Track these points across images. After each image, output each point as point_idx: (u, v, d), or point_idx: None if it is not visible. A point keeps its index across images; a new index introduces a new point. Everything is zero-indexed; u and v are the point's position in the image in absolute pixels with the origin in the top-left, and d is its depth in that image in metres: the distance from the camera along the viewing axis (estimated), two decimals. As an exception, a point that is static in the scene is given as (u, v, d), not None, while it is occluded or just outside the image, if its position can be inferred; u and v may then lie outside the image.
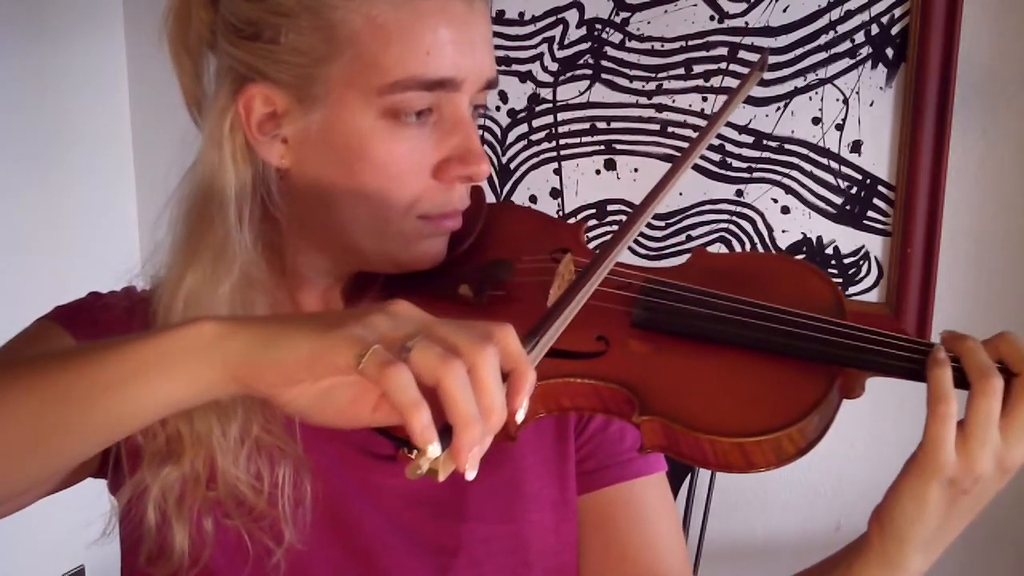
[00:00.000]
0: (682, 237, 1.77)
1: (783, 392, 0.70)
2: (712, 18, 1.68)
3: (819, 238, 1.67)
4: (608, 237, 0.76)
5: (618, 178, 1.80)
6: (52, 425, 0.61)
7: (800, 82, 1.64)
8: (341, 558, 0.82)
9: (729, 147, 1.71)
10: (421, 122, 0.76)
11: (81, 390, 0.60)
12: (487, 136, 1.91)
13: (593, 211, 1.84)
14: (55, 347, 0.80)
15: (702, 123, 1.72)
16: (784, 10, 1.63)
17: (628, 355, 0.75)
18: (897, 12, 1.55)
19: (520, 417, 0.56)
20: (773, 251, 1.69)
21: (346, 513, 0.83)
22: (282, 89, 0.76)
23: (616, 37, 1.77)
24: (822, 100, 1.63)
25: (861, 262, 1.64)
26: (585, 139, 1.83)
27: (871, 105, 1.60)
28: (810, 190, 1.66)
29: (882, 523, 0.72)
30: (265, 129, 0.77)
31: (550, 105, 1.85)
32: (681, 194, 1.76)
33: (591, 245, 1.81)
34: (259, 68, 0.76)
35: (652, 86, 1.75)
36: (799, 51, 1.63)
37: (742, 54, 1.67)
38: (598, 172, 1.82)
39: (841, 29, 1.60)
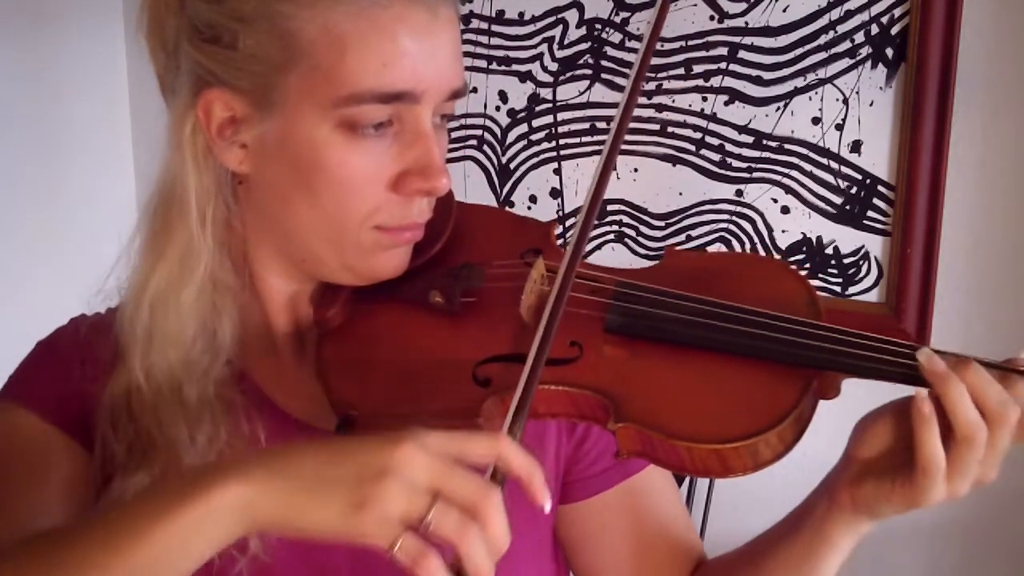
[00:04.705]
0: (682, 237, 1.77)
1: (759, 396, 0.70)
2: (712, 18, 1.68)
3: (819, 238, 1.67)
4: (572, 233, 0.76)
5: (618, 178, 1.79)
6: None
7: (800, 82, 1.64)
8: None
9: (729, 147, 1.71)
10: (380, 134, 0.74)
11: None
12: (487, 136, 1.91)
13: (593, 211, 1.84)
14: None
15: (702, 123, 1.72)
16: (784, 10, 1.63)
17: (602, 361, 0.74)
18: (897, 12, 1.55)
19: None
20: (773, 252, 1.69)
21: None
22: (240, 95, 0.75)
23: (616, 37, 1.77)
24: (822, 100, 1.63)
25: (861, 262, 1.64)
26: (585, 139, 1.83)
27: (871, 105, 1.59)
28: (810, 190, 1.66)
29: (857, 509, 0.74)
30: (225, 134, 0.76)
31: (550, 105, 1.85)
32: (681, 194, 1.76)
33: (590, 246, 1.82)
34: (218, 73, 0.75)
35: (652, 86, 1.75)
36: (799, 51, 1.63)
37: (742, 54, 1.67)
38: (598, 172, 1.82)
39: (841, 29, 1.59)
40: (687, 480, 1.65)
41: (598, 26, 1.78)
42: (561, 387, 0.73)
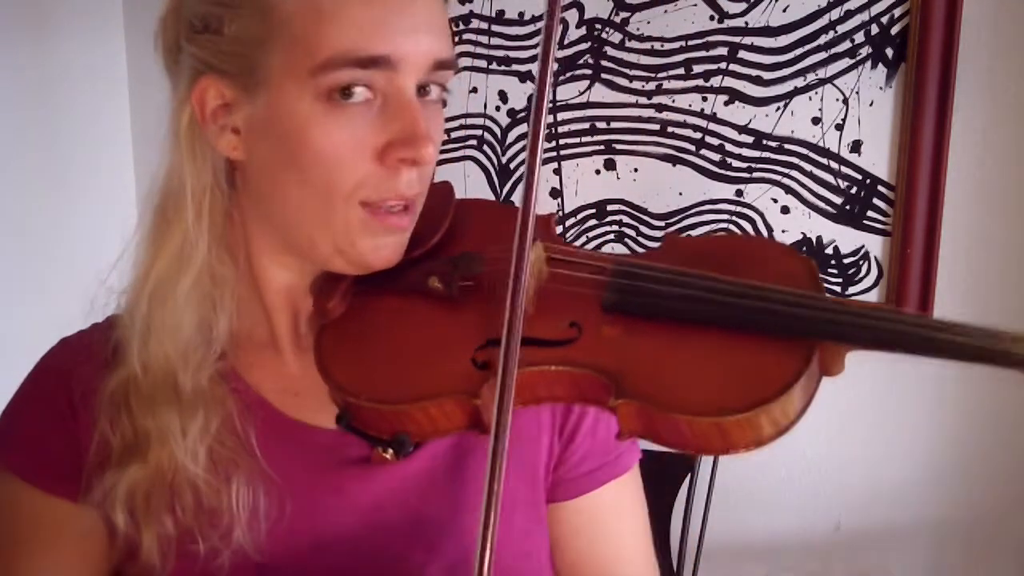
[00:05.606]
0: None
1: (760, 368, 0.69)
2: (712, 18, 1.68)
3: (819, 238, 1.67)
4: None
5: (618, 178, 1.80)
6: None
7: (800, 82, 1.64)
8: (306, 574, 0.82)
9: (729, 147, 1.71)
10: (364, 106, 0.75)
11: None
12: (487, 136, 1.91)
13: (593, 211, 1.84)
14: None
15: (702, 123, 1.72)
16: (784, 10, 1.63)
17: (601, 340, 0.74)
18: (897, 12, 1.55)
19: None
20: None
21: (315, 526, 0.82)
22: (229, 79, 0.76)
23: (616, 37, 1.77)
24: (822, 100, 1.63)
25: (861, 262, 1.64)
26: (585, 139, 1.83)
27: (871, 105, 1.60)
28: (810, 190, 1.66)
29: None
30: (218, 120, 0.78)
31: (550, 105, 1.85)
32: (681, 194, 1.76)
33: (590, 245, 1.82)
34: (208, 61, 0.76)
35: (652, 86, 1.75)
36: (799, 51, 1.63)
37: (742, 54, 1.67)
38: (598, 172, 1.82)
39: (841, 29, 1.60)
40: (688, 477, 1.65)
41: (598, 26, 1.78)
42: (562, 368, 0.73)
